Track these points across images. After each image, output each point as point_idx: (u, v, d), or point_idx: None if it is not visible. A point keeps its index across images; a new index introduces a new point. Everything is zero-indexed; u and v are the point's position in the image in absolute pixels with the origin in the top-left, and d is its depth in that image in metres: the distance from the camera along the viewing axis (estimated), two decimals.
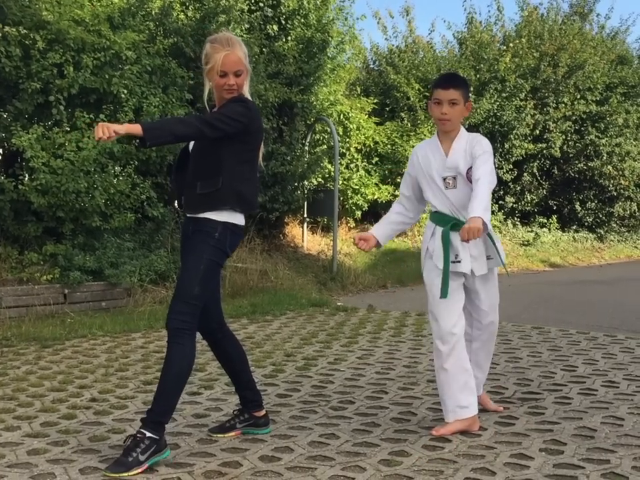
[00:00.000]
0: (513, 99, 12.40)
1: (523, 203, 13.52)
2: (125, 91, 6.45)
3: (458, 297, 3.00)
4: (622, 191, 14.17)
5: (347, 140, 10.21)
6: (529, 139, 12.87)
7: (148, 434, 2.61)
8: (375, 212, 11.26)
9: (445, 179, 2.97)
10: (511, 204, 13.36)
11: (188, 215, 2.82)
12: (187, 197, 2.79)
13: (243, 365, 3.02)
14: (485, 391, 3.36)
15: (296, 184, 8.82)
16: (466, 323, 3.06)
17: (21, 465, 2.63)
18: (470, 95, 3.19)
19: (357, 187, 10.34)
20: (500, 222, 13.25)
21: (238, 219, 2.79)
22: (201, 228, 2.73)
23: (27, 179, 6.17)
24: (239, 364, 3.01)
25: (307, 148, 9.29)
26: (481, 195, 2.74)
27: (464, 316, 3.04)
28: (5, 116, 6.14)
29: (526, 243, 12.98)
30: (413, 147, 10.80)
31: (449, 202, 2.99)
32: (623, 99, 13.98)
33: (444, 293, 2.93)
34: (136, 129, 2.48)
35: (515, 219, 13.63)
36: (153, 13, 7.27)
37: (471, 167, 2.90)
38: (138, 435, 2.62)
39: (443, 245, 2.95)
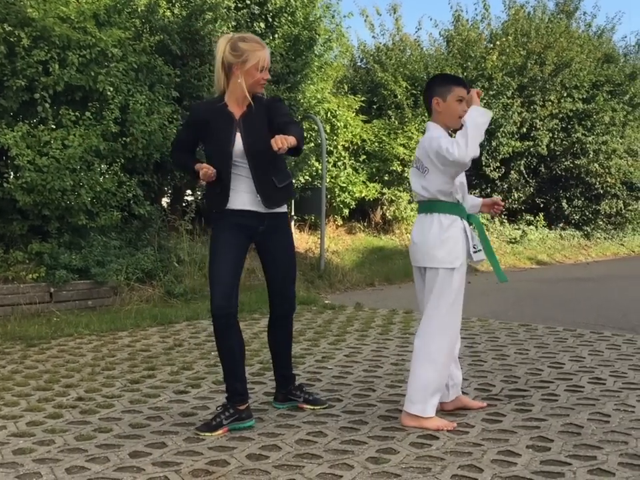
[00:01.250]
0: (500, 97, 12.41)
1: (510, 200, 13.55)
2: (111, 89, 6.40)
3: None
4: (608, 188, 14.25)
5: (335, 138, 10.19)
6: (516, 136, 12.90)
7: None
8: (362, 210, 11.27)
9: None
10: None
11: (263, 211, 3.05)
12: (267, 193, 3.03)
13: (242, 358, 3.10)
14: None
15: None
16: None
17: (6, 464, 2.61)
18: None
19: (345, 185, 10.33)
20: (487, 219, 13.27)
21: None
22: (285, 224, 3.18)
23: (12, 177, 6.12)
24: (239, 356, 3.07)
25: None
26: None
27: None
28: None
29: (513, 240, 13.00)
30: (401, 144, 10.98)
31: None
32: (609, 97, 14.05)
33: (504, 276, 3.15)
34: (295, 140, 2.83)
35: (502, 216, 13.62)
36: (139, 10, 7.21)
37: None
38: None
39: (481, 232, 3.13)
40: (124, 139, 6.63)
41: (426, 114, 11.80)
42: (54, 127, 6.21)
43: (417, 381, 3.03)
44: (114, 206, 6.59)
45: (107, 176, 6.48)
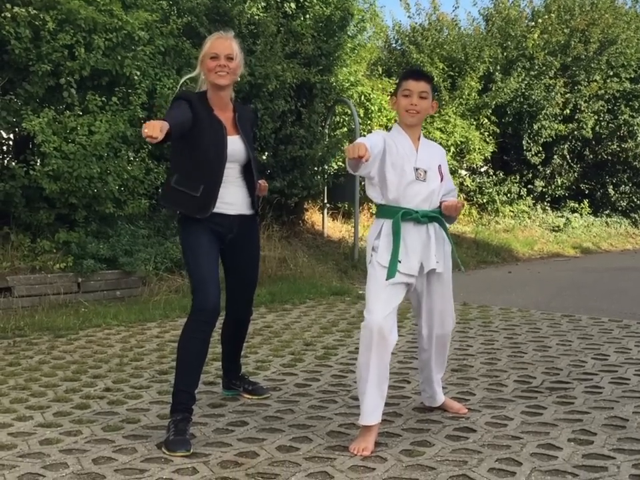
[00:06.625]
0: (542, 77, 12.06)
1: (553, 186, 13.16)
2: (138, 73, 6.29)
3: None
4: None
5: (368, 122, 9.93)
6: (559, 119, 12.50)
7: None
8: None
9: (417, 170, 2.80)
10: (541, 188, 13.00)
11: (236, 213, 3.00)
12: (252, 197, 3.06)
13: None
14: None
15: (315, 168, 8.59)
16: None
17: (33, 454, 2.59)
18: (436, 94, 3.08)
19: None
20: (529, 207, 12.91)
21: None
22: (255, 228, 3.18)
23: (38, 164, 6.04)
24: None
25: (326, 131, 9.06)
26: None
27: None
28: (15, 99, 6.01)
29: (556, 228, 12.69)
30: (438, 128, 10.66)
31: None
32: None
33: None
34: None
35: (545, 203, 13.29)
36: None
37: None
38: None
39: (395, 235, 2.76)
40: None
41: (463, 97, 11.44)
42: (80, 112, 6.11)
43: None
44: (142, 194, 6.48)
45: (134, 163, 6.38)
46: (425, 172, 2.77)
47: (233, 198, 2.94)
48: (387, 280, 2.67)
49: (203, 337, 2.80)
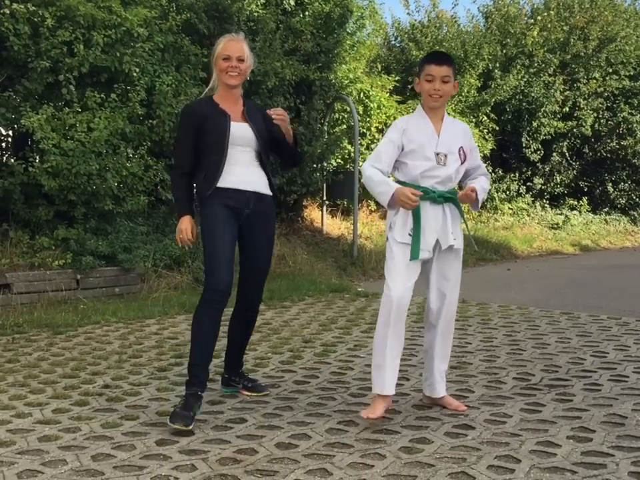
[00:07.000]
0: (541, 75, 12.07)
1: (552, 184, 13.16)
2: (137, 70, 6.28)
3: None
4: None
5: (368, 119, 9.94)
6: (558, 116, 12.50)
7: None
8: None
9: (437, 155, 2.90)
10: (540, 185, 13.00)
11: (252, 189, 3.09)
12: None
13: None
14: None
15: (315, 165, 8.60)
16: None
17: (31, 451, 2.59)
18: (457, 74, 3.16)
19: None
20: (528, 204, 12.91)
21: None
22: (271, 211, 3.22)
23: (37, 161, 6.03)
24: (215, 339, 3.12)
25: (325, 128, 9.06)
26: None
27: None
28: (14, 96, 5.98)
29: (555, 225, 12.70)
30: None
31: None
32: None
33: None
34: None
35: (544, 201, 13.29)
36: None
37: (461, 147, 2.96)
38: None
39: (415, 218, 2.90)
40: (150, 121, 6.51)
41: (462, 94, 11.45)
42: (79, 109, 6.11)
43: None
44: (141, 191, 6.47)
45: (133, 160, 6.37)
46: (446, 156, 2.88)
47: (249, 177, 3.06)
48: (410, 260, 2.81)
49: (214, 317, 2.94)
